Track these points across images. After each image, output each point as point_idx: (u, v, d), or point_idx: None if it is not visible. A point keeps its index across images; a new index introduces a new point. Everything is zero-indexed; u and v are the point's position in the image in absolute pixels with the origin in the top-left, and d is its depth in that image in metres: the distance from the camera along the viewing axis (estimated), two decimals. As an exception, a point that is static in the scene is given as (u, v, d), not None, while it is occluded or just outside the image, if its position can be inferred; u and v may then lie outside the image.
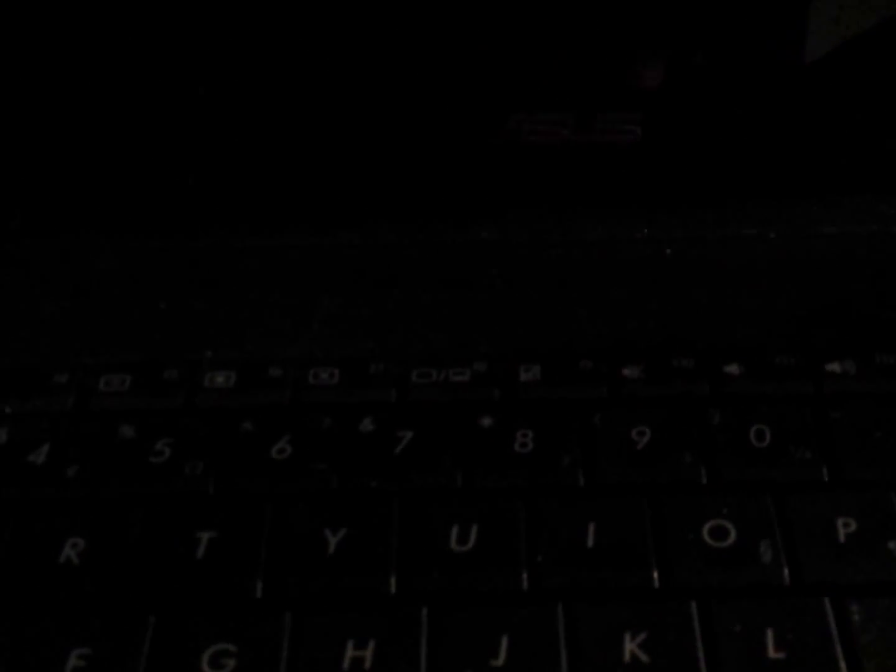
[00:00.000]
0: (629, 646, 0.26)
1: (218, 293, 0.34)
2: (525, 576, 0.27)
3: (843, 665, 0.25)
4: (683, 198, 0.37)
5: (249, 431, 0.30)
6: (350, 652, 0.25)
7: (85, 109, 0.35)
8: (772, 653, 0.26)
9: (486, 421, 0.31)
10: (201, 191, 0.36)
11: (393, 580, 0.27)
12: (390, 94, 0.35)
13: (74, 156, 0.36)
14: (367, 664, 0.25)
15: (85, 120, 0.35)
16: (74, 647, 0.26)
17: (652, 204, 0.37)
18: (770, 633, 0.26)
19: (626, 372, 0.32)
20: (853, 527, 0.28)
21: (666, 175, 0.38)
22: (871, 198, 0.37)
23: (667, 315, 0.34)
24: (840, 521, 0.28)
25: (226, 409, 0.31)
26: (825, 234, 0.36)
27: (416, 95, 0.35)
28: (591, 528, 0.28)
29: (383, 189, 0.36)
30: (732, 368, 0.32)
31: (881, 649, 0.26)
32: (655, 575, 0.27)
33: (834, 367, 0.32)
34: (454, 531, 0.28)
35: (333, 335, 0.33)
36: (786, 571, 0.27)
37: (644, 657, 0.25)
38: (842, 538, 0.28)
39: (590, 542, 0.28)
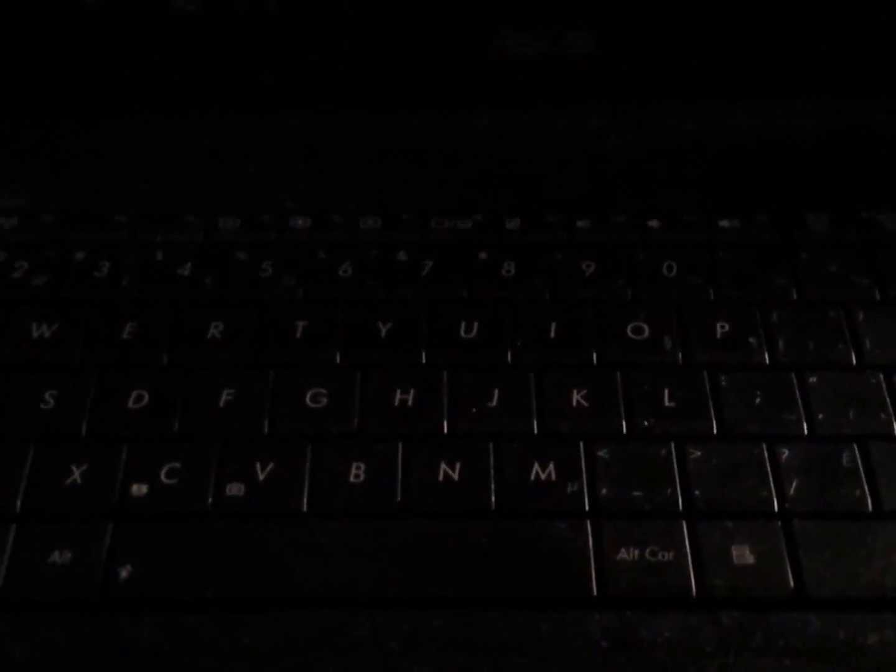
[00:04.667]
0: (576, 397, 0.40)
1: (300, 162, 0.47)
2: (509, 354, 0.42)
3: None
4: (627, 96, 0.50)
5: (322, 258, 0.44)
6: (398, 396, 0.40)
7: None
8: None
9: (483, 255, 0.45)
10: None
11: (424, 353, 0.41)
12: (419, 19, 0.48)
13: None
14: (410, 403, 0.40)
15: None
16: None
17: (603, 101, 0.50)
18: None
19: (579, 224, 0.46)
20: (727, 328, 0.42)
21: (615, 79, 0.50)
22: (764, 99, 0.50)
23: (610, 185, 0.48)
24: (718, 324, 0.43)
25: (305, 243, 0.45)
26: (724, 126, 0.50)
27: (435, 19, 0.48)
28: (553, 325, 0.42)
29: (409, 88, 0.49)
30: (653, 223, 0.46)
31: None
32: (594, 355, 0.42)
33: (724, 222, 0.46)
34: (462, 325, 0.42)
35: (373, 196, 0.47)
36: (679, 355, 0.42)
37: (585, 404, 0.40)
38: (718, 336, 0.42)
39: (552, 334, 0.42)
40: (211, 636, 0.35)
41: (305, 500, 0.38)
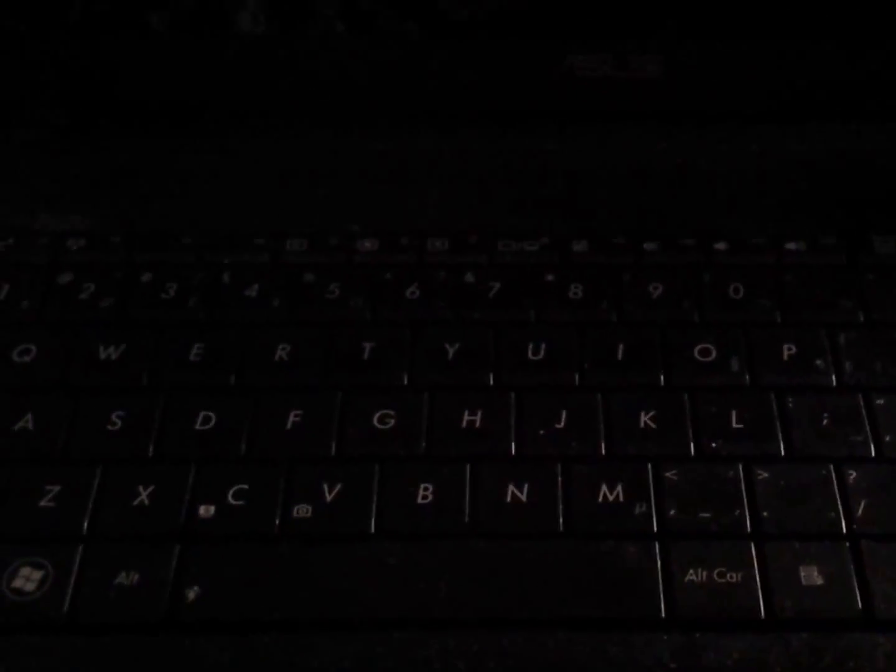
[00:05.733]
0: (643, 418, 0.40)
1: (367, 184, 0.48)
2: (576, 376, 0.42)
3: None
4: (694, 119, 0.50)
5: (389, 280, 0.44)
6: (466, 417, 0.40)
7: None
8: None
9: (550, 277, 0.45)
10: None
11: (491, 376, 0.42)
12: (492, 45, 0.48)
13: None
14: (477, 424, 0.40)
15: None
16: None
17: (670, 124, 0.50)
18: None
19: (646, 246, 0.46)
20: (794, 350, 0.42)
21: (681, 102, 0.50)
22: (827, 123, 0.50)
23: (676, 207, 0.48)
24: (785, 346, 0.42)
25: (372, 265, 0.45)
26: (790, 150, 0.49)
27: (508, 44, 0.49)
28: (620, 347, 0.42)
29: (484, 110, 0.49)
30: (720, 245, 0.46)
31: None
32: (662, 377, 0.41)
33: (790, 245, 0.46)
34: (530, 347, 0.42)
35: (443, 216, 0.47)
36: (747, 377, 0.42)
37: (652, 425, 0.40)
38: (785, 358, 0.42)
39: (619, 356, 0.42)
40: (279, 658, 0.35)
41: (373, 522, 0.38)
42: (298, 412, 0.40)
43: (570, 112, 0.50)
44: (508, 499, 0.38)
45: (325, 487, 0.38)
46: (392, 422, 0.40)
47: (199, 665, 0.35)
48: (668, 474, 0.39)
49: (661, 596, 0.36)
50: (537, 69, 0.49)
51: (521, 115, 0.50)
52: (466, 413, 0.40)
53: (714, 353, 0.42)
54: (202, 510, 0.38)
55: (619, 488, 0.38)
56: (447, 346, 0.42)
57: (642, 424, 0.40)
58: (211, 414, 0.41)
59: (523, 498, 0.38)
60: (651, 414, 0.40)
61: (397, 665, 0.35)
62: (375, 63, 0.49)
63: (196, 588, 0.37)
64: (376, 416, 0.40)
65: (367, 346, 0.42)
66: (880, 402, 0.41)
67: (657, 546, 0.37)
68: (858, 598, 0.36)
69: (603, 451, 0.39)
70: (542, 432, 0.40)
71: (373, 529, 0.38)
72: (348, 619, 0.36)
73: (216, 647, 0.36)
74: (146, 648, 0.36)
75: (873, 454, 0.39)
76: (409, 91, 0.49)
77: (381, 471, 0.39)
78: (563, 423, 0.40)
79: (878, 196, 0.48)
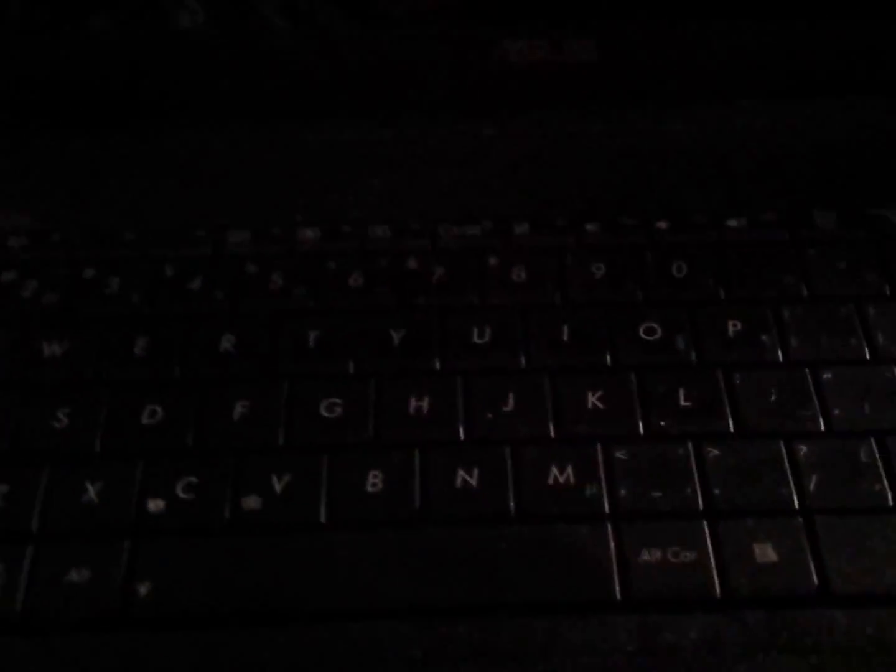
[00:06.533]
0: (591, 399, 0.40)
1: (308, 175, 0.47)
2: (523, 358, 0.41)
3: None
4: (631, 102, 0.50)
5: (331, 268, 0.44)
6: (414, 403, 0.40)
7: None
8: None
9: (493, 260, 0.45)
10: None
11: (437, 360, 0.41)
12: (427, 34, 0.48)
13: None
14: (425, 410, 0.40)
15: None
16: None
17: (607, 106, 0.50)
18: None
19: (588, 227, 0.46)
20: (739, 326, 0.42)
21: (617, 85, 0.50)
22: (763, 101, 0.50)
23: (616, 189, 0.48)
24: (730, 323, 0.42)
25: (314, 253, 0.45)
26: (728, 128, 0.50)
27: (442, 34, 0.48)
28: (566, 328, 0.42)
29: (422, 99, 0.49)
30: (662, 224, 0.46)
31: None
32: (608, 357, 0.41)
33: (732, 222, 0.46)
34: (475, 331, 0.42)
35: (382, 205, 0.47)
36: (693, 355, 0.42)
37: (600, 406, 0.40)
38: (731, 334, 0.42)
39: (565, 337, 0.42)
40: (232, 652, 0.35)
41: (323, 511, 0.37)
42: (245, 403, 0.40)
43: (507, 97, 0.50)
44: (459, 484, 0.38)
45: (274, 478, 0.38)
46: (339, 410, 0.40)
47: (153, 660, 0.35)
48: (618, 454, 0.39)
49: (616, 578, 0.36)
50: (472, 57, 0.49)
51: (458, 102, 0.49)
52: (413, 399, 0.40)
53: (659, 332, 0.42)
54: (151, 505, 0.38)
55: (570, 470, 0.38)
56: (392, 332, 0.42)
57: (590, 405, 0.40)
58: (157, 408, 0.40)
59: (473, 483, 0.38)
60: (599, 394, 0.40)
61: (352, 655, 0.35)
62: (311, 56, 0.49)
63: (147, 583, 0.36)
64: (323, 404, 0.40)
65: (312, 334, 0.42)
66: (827, 375, 0.41)
67: (610, 527, 0.37)
68: (814, 574, 0.36)
69: (552, 433, 0.39)
70: (490, 416, 0.40)
71: (323, 519, 0.37)
72: (301, 610, 0.36)
73: (168, 642, 0.35)
74: (99, 645, 0.35)
75: (822, 428, 0.40)
76: (346, 82, 0.49)
77: (329, 460, 0.39)
78: (511, 406, 0.40)
79: (817, 172, 0.48)
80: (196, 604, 0.36)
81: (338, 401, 0.40)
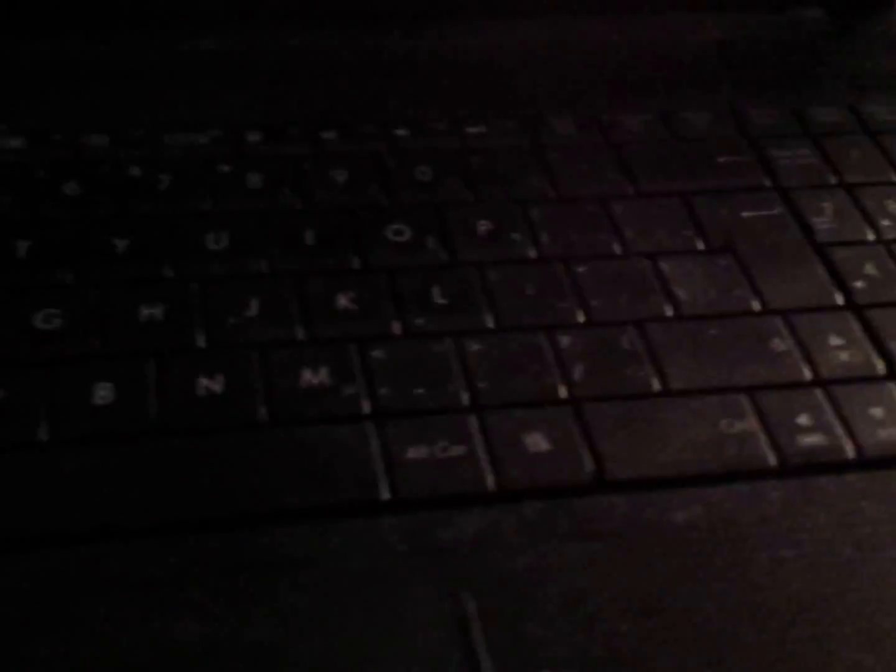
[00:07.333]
0: (342, 301, 0.37)
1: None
2: (263, 263, 0.38)
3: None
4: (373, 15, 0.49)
5: (41, 177, 0.39)
6: (144, 311, 0.36)
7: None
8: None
9: (225, 168, 0.41)
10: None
11: (168, 267, 0.37)
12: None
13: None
14: (160, 318, 0.36)
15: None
16: None
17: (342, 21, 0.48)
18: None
19: (324, 135, 0.43)
20: (489, 226, 0.40)
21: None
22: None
23: (351, 98, 0.45)
24: (479, 223, 0.41)
25: (21, 163, 0.40)
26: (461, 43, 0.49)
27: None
28: (309, 233, 0.39)
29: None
30: (402, 131, 0.44)
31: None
32: (357, 260, 0.39)
33: (472, 129, 0.44)
34: (210, 237, 0.38)
35: (99, 115, 0.43)
36: (445, 254, 0.39)
37: (353, 307, 0.37)
38: (481, 233, 0.40)
39: (309, 241, 0.39)
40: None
41: (45, 429, 0.33)
42: None
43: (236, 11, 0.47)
44: (202, 392, 0.34)
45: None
46: (58, 321, 0.35)
47: None
48: (374, 354, 0.36)
49: (383, 477, 0.33)
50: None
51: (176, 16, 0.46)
52: (143, 307, 0.36)
53: (408, 234, 0.40)
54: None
55: (324, 371, 0.35)
56: (115, 241, 0.38)
57: (341, 307, 0.37)
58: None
59: (218, 390, 0.34)
60: (350, 296, 0.37)
61: (86, 581, 0.30)
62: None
63: None
64: (39, 316, 0.35)
65: (22, 245, 0.37)
66: (581, 269, 0.39)
67: (372, 427, 0.34)
68: (589, 461, 0.34)
69: (301, 336, 0.36)
70: (232, 321, 0.36)
71: (46, 437, 0.33)
72: (26, 535, 0.30)
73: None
74: None
75: (582, 320, 0.38)
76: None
77: (49, 374, 0.34)
78: (255, 311, 0.36)
79: (550, 81, 0.48)
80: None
81: (55, 311, 0.35)
